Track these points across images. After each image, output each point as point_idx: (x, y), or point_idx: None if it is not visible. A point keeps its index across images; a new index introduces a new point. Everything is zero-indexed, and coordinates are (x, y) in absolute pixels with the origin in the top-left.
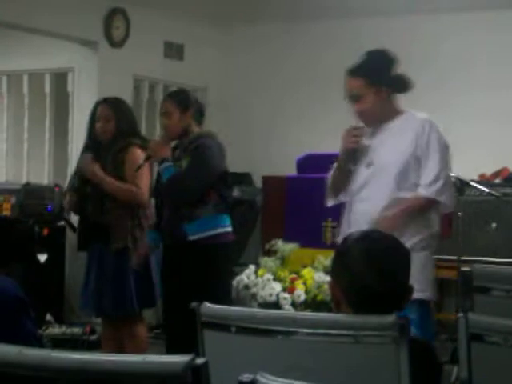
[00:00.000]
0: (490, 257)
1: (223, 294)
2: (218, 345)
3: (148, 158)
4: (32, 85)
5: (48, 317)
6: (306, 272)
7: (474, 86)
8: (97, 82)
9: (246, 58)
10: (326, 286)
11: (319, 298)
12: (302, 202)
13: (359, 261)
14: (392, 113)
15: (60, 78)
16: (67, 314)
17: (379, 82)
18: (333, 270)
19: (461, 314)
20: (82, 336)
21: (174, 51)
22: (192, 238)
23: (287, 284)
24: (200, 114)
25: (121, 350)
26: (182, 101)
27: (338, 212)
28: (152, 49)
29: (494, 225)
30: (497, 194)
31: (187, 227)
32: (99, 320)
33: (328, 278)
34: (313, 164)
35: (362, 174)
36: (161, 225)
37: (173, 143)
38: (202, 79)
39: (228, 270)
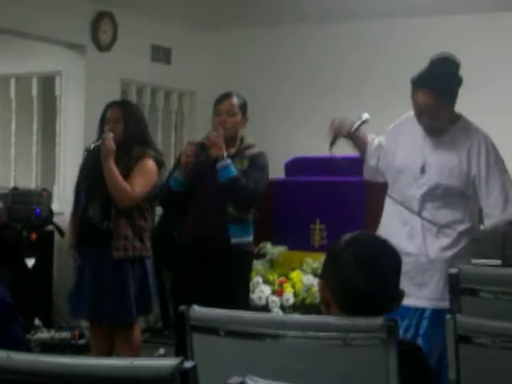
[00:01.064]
0: (478, 258)
1: (248, 301)
2: (207, 348)
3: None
4: (19, 89)
5: (36, 321)
6: (295, 275)
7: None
8: (84, 86)
9: (233, 62)
10: (315, 289)
11: (308, 300)
12: (290, 205)
13: (348, 263)
14: (452, 118)
15: (47, 82)
16: (56, 319)
17: (451, 95)
18: (323, 272)
19: (449, 316)
20: (70, 340)
21: (161, 55)
22: (234, 241)
23: (276, 287)
24: None
25: (110, 354)
26: (244, 105)
27: (325, 214)
28: (139, 52)
29: (481, 226)
30: None
31: (232, 229)
32: (87, 324)
33: (316, 281)
34: (300, 167)
35: (414, 177)
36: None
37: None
38: (190, 83)
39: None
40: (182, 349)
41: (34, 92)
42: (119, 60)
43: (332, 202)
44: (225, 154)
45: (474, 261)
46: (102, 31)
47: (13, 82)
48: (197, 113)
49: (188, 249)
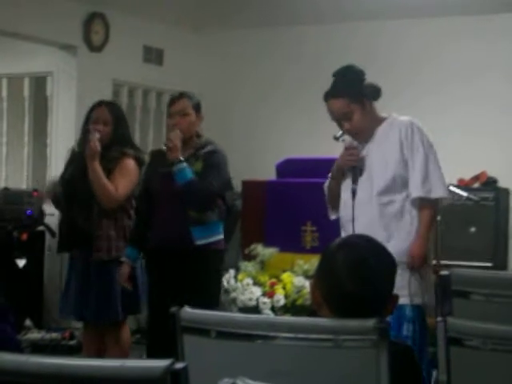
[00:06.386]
0: (469, 261)
1: (218, 298)
2: (198, 349)
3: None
4: (11, 89)
5: (27, 322)
6: (286, 276)
7: (455, 93)
8: (76, 87)
9: (224, 63)
10: (306, 291)
11: (299, 302)
12: (281, 207)
13: (339, 267)
14: (377, 121)
15: (39, 82)
16: (46, 319)
17: (360, 96)
18: (315, 274)
19: (440, 318)
20: (61, 341)
21: (153, 56)
22: (199, 242)
23: (267, 288)
24: None
25: (101, 354)
26: (197, 103)
27: (317, 216)
28: (131, 53)
29: (472, 229)
30: (475, 199)
31: (194, 231)
32: (78, 325)
33: (308, 283)
34: (292, 168)
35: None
36: (151, 229)
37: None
38: (181, 84)
39: (222, 275)
40: (171, 350)
41: (26, 92)
42: (111, 61)
43: (324, 203)
44: (180, 157)
45: (465, 263)
46: (93, 32)
47: (4, 81)
48: None
49: (155, 252)
